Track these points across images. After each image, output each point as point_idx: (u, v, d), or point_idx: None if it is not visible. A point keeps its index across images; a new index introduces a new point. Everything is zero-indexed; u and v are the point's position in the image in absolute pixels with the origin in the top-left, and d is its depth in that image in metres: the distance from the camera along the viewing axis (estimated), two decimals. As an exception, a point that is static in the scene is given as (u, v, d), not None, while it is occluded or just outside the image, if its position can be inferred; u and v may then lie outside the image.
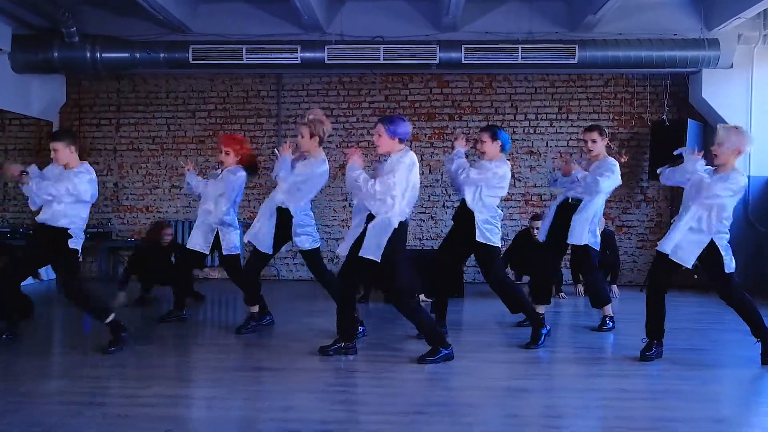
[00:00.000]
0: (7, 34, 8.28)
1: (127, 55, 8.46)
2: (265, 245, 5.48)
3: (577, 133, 9.02)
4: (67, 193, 4.85)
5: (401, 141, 4.71)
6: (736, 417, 3.82)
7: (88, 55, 8.36)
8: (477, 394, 4.12)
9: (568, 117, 9.12)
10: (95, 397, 3.91)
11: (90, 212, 9.20)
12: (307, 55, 8.34)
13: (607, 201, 9.09)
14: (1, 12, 7.95)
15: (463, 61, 8.20)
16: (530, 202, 9.18)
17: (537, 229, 6.88)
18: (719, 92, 8.32)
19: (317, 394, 4.07)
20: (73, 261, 4.97)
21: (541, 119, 9.14)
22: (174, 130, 9.38)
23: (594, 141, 5.69)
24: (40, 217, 4.94)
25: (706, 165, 4.94)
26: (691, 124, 8.31)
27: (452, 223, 5.59)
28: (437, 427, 3.47)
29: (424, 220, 9.24)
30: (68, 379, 4.36)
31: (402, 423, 3.54)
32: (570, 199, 5.69)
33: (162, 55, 8.44)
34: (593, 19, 7.91)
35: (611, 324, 5.96)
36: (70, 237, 4.92)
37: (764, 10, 7.66)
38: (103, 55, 8.41)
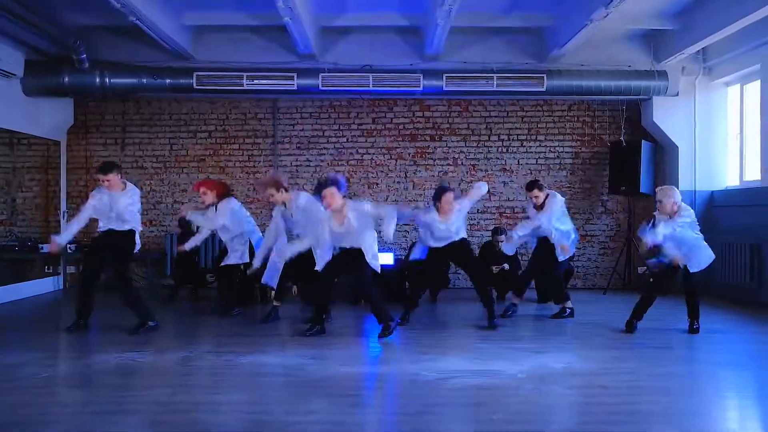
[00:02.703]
0: (20, 60, 8.87)
1: (134, 80, 9.12)
2: None
3: (545, 152, 10.12)
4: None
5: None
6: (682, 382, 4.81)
7: (98, 80, 8.98)
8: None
9: (536, 138, 10.17)
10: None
11: (95, 226, 9.88)
12: (303, 81, 9.15)
13: (572, 213, 10.22)
14: (14, 39, 8.53)
15: (445, 89, 9.16)
16: (504, 215, 10.18)
17: (501, 242, 8.18)
18: (668, 117, 9.50)
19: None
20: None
21: (513, 140, 10.17)
22: (176, 150, 10.08)
23: (537, 196, 7.14)
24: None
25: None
26: (645, 145, 9.44)
27: None
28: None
29: (408, 232, 10.13)
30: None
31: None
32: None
33: (167, 80, 9.13)
34: (559, 53, 8.97)
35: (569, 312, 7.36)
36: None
37: (703, 48, 8.86)
38: (112, 80, 9.03)
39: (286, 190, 6.74)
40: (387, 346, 5.87)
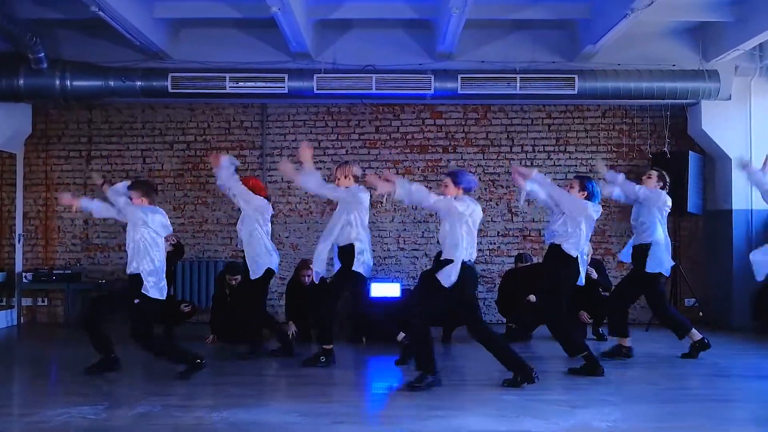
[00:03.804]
0: (-35, 60, 8.55)
1: (100, 83, 8.76)
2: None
3: (576, 165, 9.69)
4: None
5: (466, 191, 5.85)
6: None
7: (58, 82, 8.61)
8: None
9: (566, 149, 9.75)
10: None
11: (56, 252, 9.48)
12: (295, 84, 8.79)
13: (608, 236, 9.78)
14: (-41, 36, 8.23)
15: (460, 92, 8.77)
16: (528, 238, 9.73)
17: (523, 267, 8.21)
18: (718, 124, 9.06)
19: None
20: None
21: (539, 151, 9.75)
22: (150, 163, 9.72)
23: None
24: None
25: None
26: (692, 157, 9.01)
27: None
28: None
29: (417, 258, 9.69)
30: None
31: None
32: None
33: (138, 83, 8.77)
34: (592, 50, 8.59)
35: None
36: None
37: (761, 43, 8.45)
38: (74, 83, 8.67)
39: (356, 180, 6.73)
40: (391, 399, 5.44)
